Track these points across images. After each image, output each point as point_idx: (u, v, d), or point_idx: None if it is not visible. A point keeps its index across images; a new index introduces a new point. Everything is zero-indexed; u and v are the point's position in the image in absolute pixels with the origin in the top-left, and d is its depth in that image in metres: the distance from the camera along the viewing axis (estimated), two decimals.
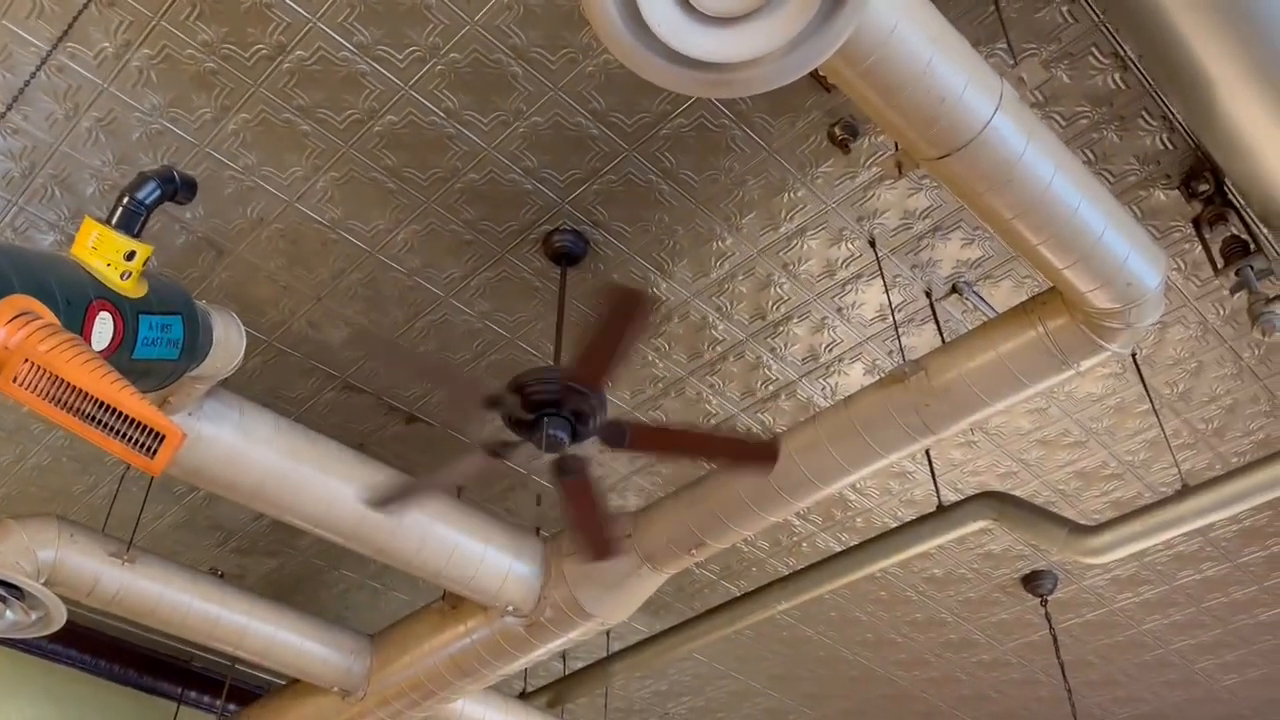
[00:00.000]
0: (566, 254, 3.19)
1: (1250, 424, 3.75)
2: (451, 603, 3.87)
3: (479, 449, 2.61)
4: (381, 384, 3.67)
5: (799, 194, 3.06)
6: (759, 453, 2.69)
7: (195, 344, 2.37)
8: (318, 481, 3.18)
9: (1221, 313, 3.37)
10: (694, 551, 3.42)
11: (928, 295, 3.40)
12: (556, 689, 4.80)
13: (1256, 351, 3.50)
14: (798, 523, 4.35)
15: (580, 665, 4.96)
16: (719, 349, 3.58)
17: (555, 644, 3.66)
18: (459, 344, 3.52)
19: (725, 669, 5.39)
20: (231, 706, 5.35)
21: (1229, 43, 2.15)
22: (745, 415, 3.84)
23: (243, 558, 4.57)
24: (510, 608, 3.57)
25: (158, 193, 2.22)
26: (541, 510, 4.25)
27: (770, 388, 3.73)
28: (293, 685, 4.46)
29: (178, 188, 2.26)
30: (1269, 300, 2.65)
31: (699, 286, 3.36)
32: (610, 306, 2.24)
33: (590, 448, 3.01)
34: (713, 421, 3.85)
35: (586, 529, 2.87)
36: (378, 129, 2.86)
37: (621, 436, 2.65)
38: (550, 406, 2.45)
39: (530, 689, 5.05)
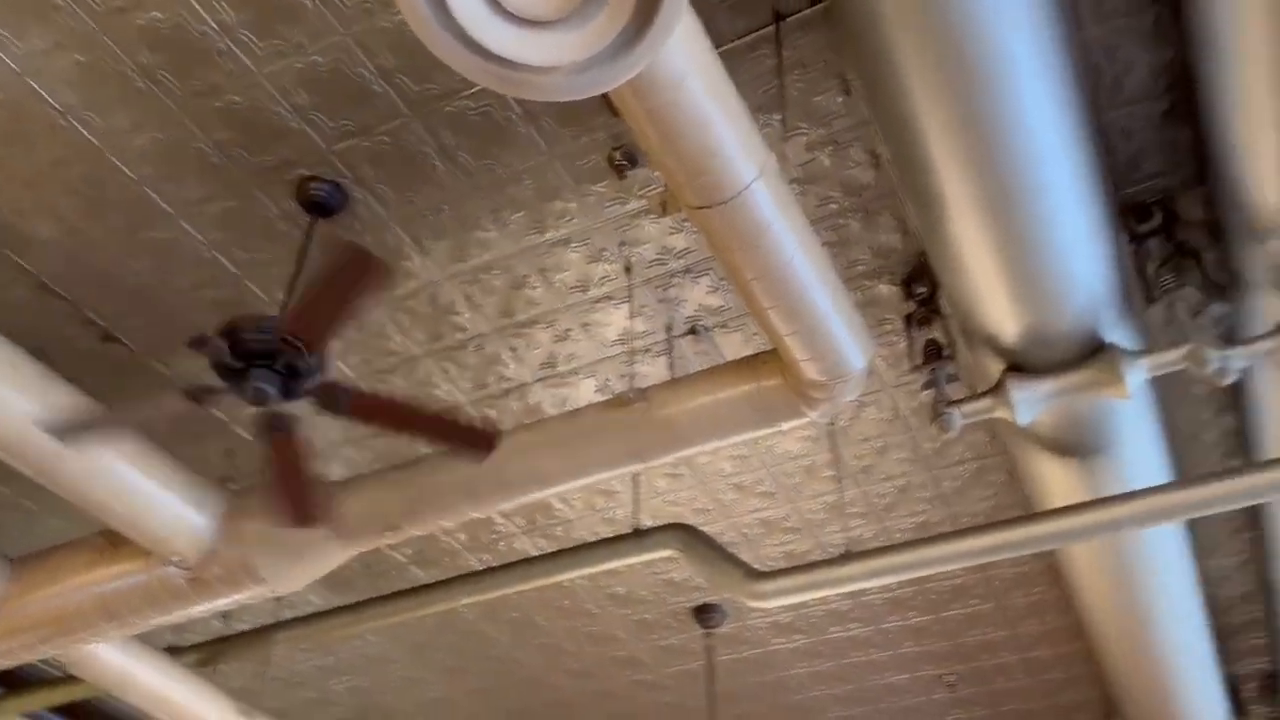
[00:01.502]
0: (321, 205, 3.05)
1: (916, 506, 4.18)
2: (111, 540, 3.57)
3: (178, 391, 2.44)
4: (82, 293, 3.35)
5: (570, 205, 3.10)
6: (478, 439, 2.69)
7: None
8: None
9: (912, 404, 3.73)
10: (389, 533, 3.36)
11: (668, 330, 3.54)
12: (211, 649, 4.54)
13: (934, 445, 3.90)
14: (500, 522, 4.38)
15: (244, 628, 4.72)
16: (460, 336, 3.55)
17: (218, 603, 3.47)
18: (180, 269, 3.27)
19: (397, 654, 5.32)
20: None
21: (966, 169, 2.39)
22: (472, 407, 3.83)
23: None
24: (175, 558, 3.35)
25: None
26: (235, 464, 4.03)
27: (503, 385, 3.74)
28: None
29: None
30: (950, 402, 2.97)
31: (454, 270, 3.32)
32: (341, 265, 2.17)
33: (303, 408, 2.89)
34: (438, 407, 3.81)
35: (288, 492, 2.75)
36: (140, 22, 2.62)
37: (339, 401, 2.57)
38: (262, 358, 2.33)
39: (183, 644, 4.74)
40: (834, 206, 3.10)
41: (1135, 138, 2.82)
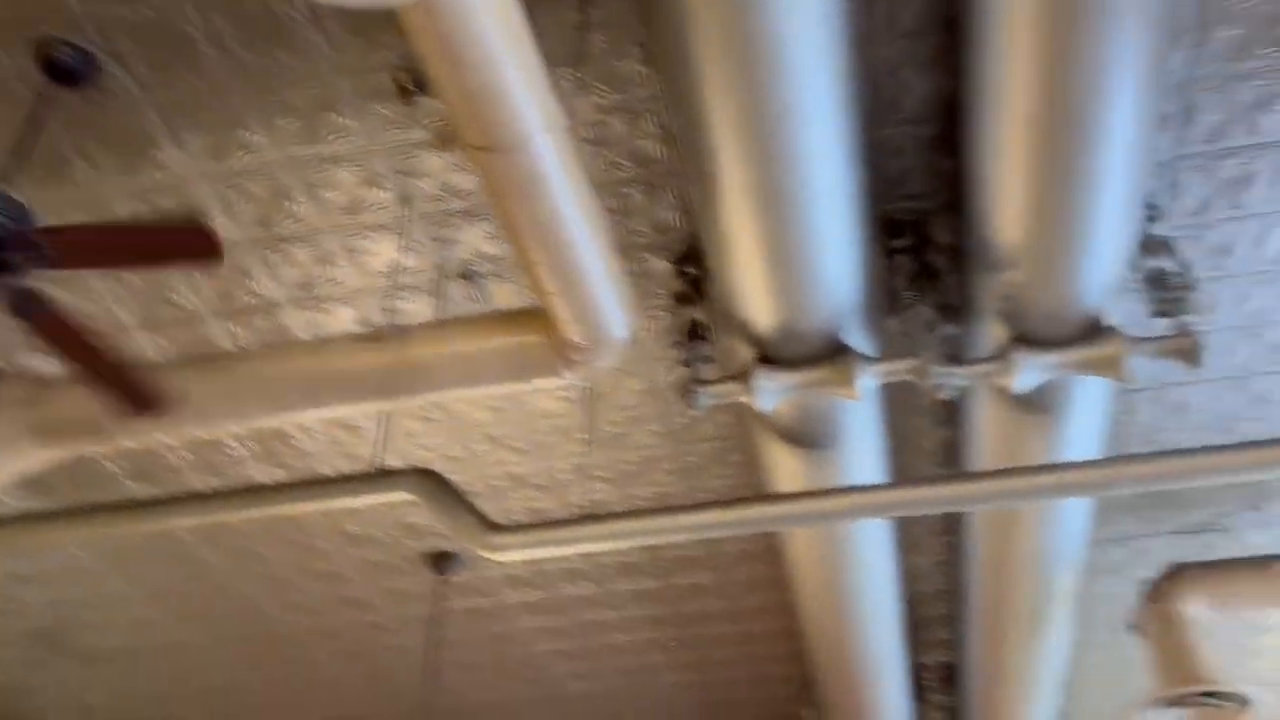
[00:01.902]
0: (65, 71, 2.73)
1: (659, 478, 4.30)
2: None
3: None
4: None
5: (348, 121, 2.94)
6: (142, 399, 2.51)
7: None
8: None
9: (670, 379, 3.82)
10: (97, 441, 3.10)
11: (439, 271, 3.44)
12: None
13: (684, 421, 4.02)
14: (232, 444, 4.13)
15: None
16: None
17: None
18: None
19: (103, 569, 4.94)
20: None
21: (742, 158, 2.45)
22: (214, 319, 3.58)
23: None
24: None
25: None
26: None
27: (251, 300, 3.52)
28: None
29: None
30: (701, 382, 3.06)
31: (209, 169, 3.07)
32: (169, 229, 1.96)
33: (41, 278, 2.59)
34: (174, 321, 3.53)
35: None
36: None
37: (29, 310, 2.31)
38: None
39: None
40: (621, 174, 3.10)
41: (903, 157, 2.99)
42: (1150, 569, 4.73)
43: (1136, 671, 5.54)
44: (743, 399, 2.99)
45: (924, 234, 3.19)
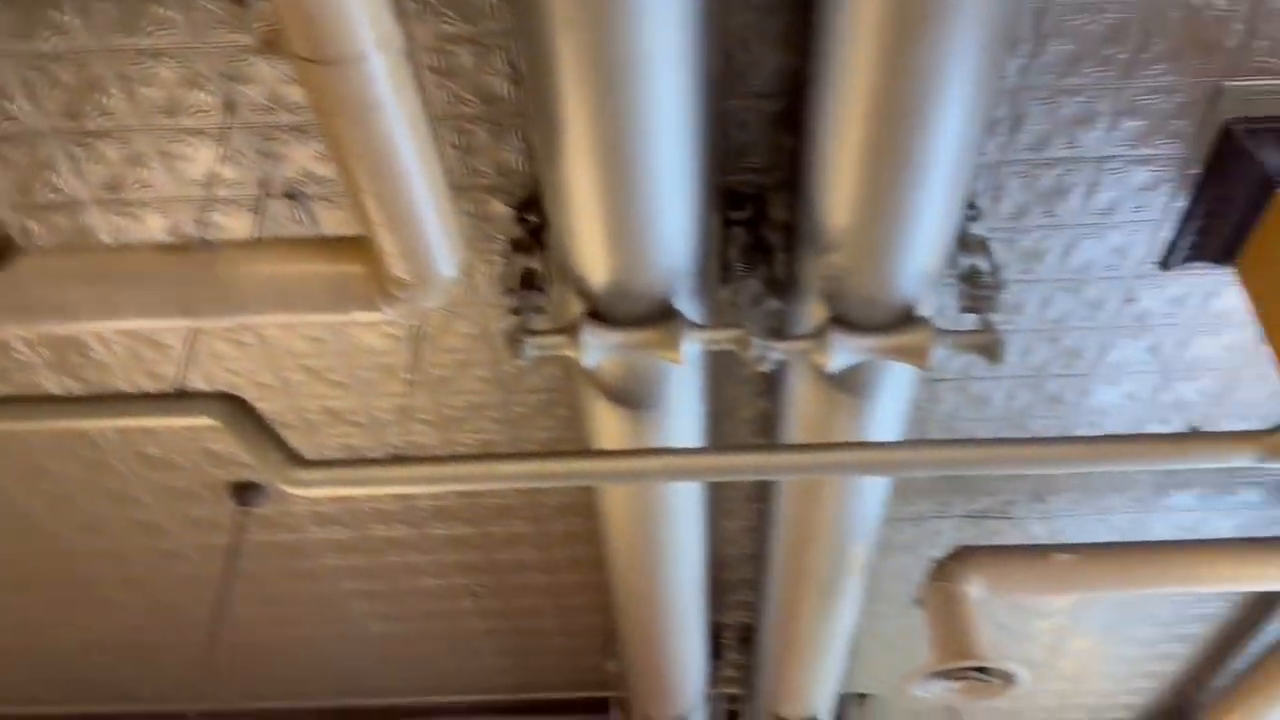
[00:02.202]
0: None
1: (483, 425, 4.25)
2: None
3: None
4: None
5: (173, 14, 2.72)
6: None
7: None
8: None
9: (502, 326, 3.76)
10: None
11: (261, 186, 3.26)
12: None
13: (513, 370, 3.98)
14: (21, 349, 3.82)
15: None
16: (8, 127, 3.01)
17: None
18: None
19: None
20: None
21: (588, 108, 2.40)
22: (9, 212, 3.28)
23: None
24: None
25: None
26: None
27: (52, 197, 3.24)
28: None
29: None
30: (529, 332, 3.02)
31: (14, 49, 2.80)
32: None
33: None
34: None
35: None
36: None
37: None
38: None
39: None
40: (466, 109, 3.00)
41: (748, 130, 3.02)
42: (940, 549, 5.03)
43: (919, 643, 5.91)
44: (569, 353, 2.97)
45: (762, 209, 3.24)
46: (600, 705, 6.36)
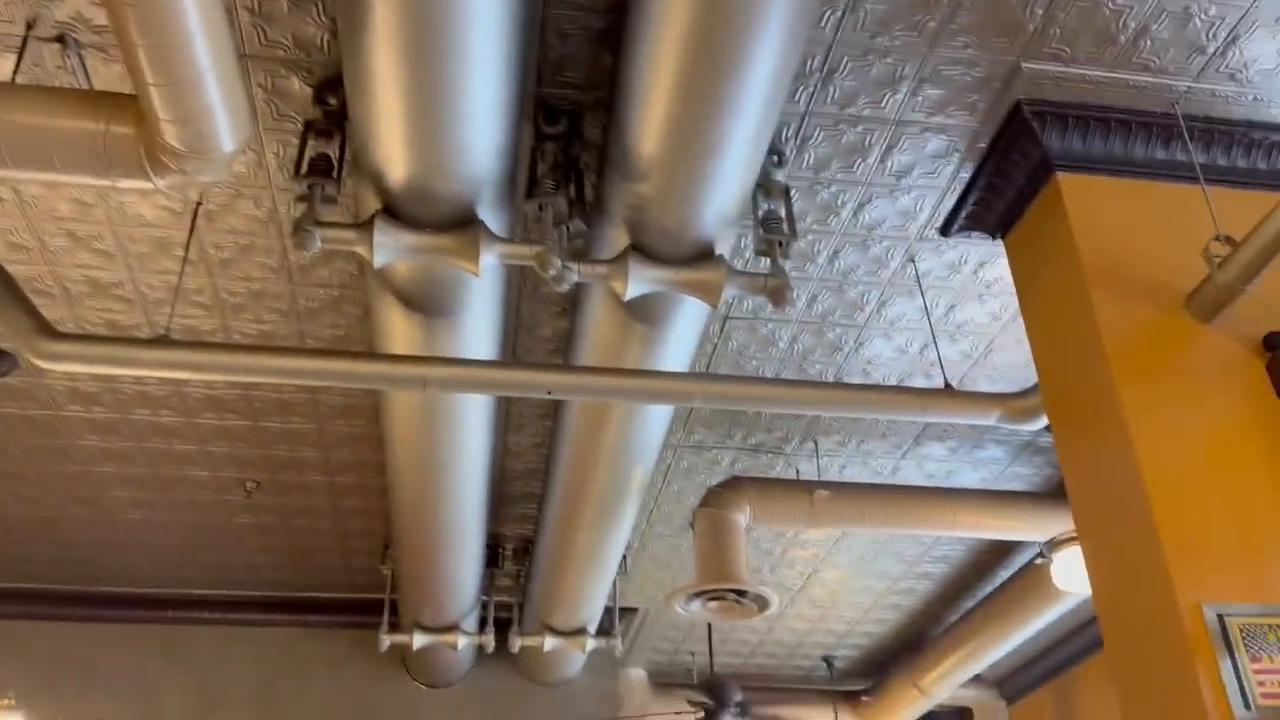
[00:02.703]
0: None
1: (265, 315, 4.04)
2: None
3: None
4: None
5: None
6: None
7: None
8: None
9: (291, 212, 3.56)
10: None
11: (28, 26, 2.91)
12: None
13: (302, 260, 3.79)
14: None
15: None
16: None
17: None
18: None
19: None
20: None
21: (396, 8, 2.27)
22: None
23: None
24: None
25: None
26: None
27: None
28: None
29: None
30: (318, 222, 2.87)
31: None
32: None
33: None
34: None
35: None
36: None
37: None
38: None
39: None
40: None
41: (568, 43, 2.95)
42: (718, 478, 5.24)
43: (690, 564, 6.18)
44: (358, 249, 2.85)
45: (577, 126, 3.19)
46: (374, 607, 6.31)
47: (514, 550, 6.04)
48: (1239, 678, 2.42)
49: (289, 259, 3.78)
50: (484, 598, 6.01)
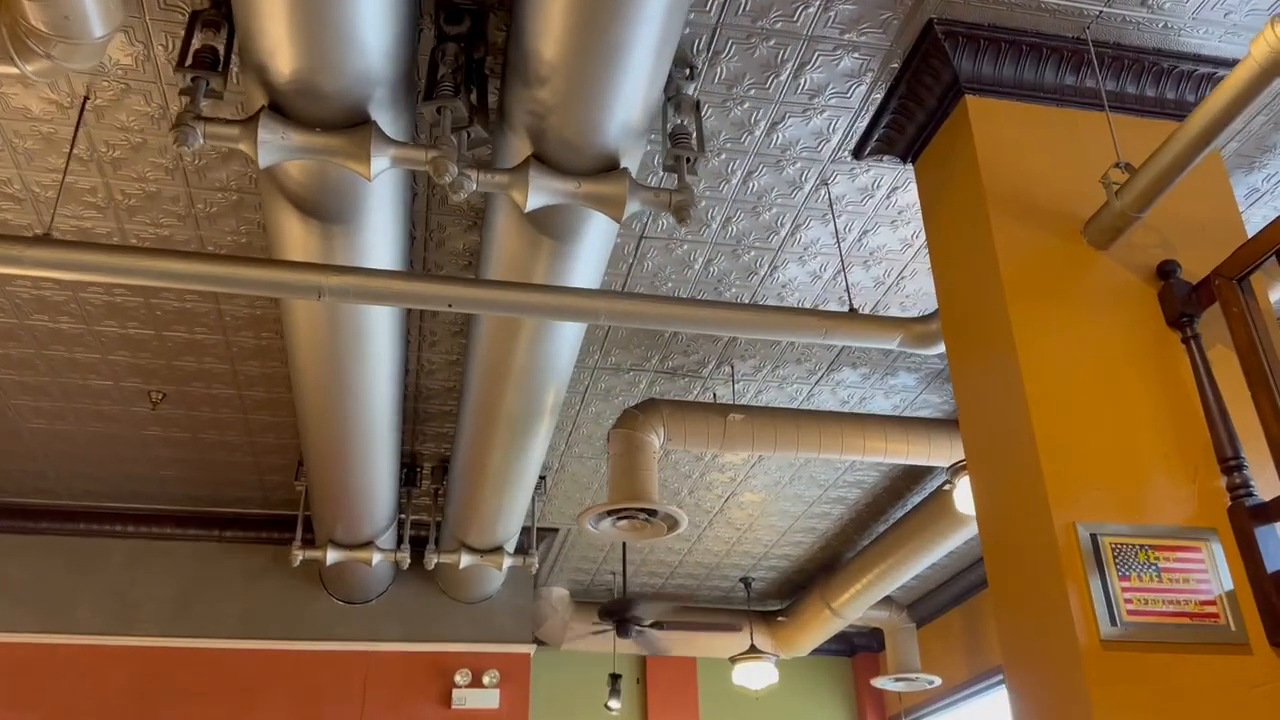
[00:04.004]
0: None
1: (162, 219, 3.90)
2: None
3: None
4: None
5: None
6: None
7: None
8: None
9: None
10: None
11: None
12: None
13: (200, 161, 3.65)
14: None
15: None
16: None
17: None
18: None
19: None
20: None
21: None
22: None
23: None
24: None
25: None
26: None
27: None
28: None
29: None
30: (198, 118, 2.74)
31: None
32: None
33: None
34: None
35: None
36: None
37: None
38: None
39: None
40: None
41: None
42: (635, 400, 5.25)
43: (603, 484, 6.22)
44: (242, 147, 2.74)
45: (480, 27, 3.07)
46: (291, 523, 6.28)
47: (432, 469, 6.02)
48: (1107, 594, 2.50)
49: (184, 160, 3.63)
50: (401, 516, 6.00)
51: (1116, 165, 2.90)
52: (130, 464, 5.89)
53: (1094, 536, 2.57)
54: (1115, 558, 2.56)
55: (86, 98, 3.34)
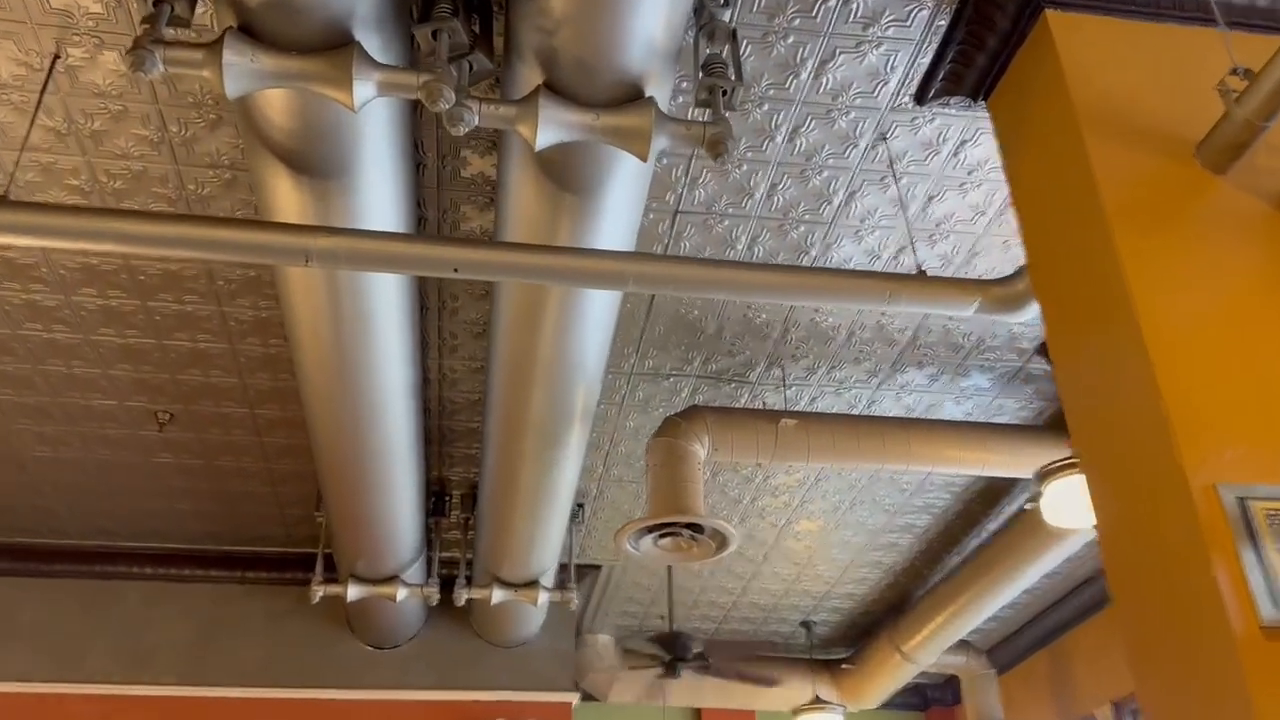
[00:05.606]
0: None
1: (151, 203, 3.57)
2: None
3: None
4: None
5: None
6: None
7: None
8: None
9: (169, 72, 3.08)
10: None
11: None
12: None
13: (186, 132, 3.32)
14: None
15: None
16: None
17: None
18: None
19: None
20: None
21: None
22: None
23: None
24: None
25: None
26: None
27: None
28: None
29: None
30: (160, 41, 2.39)
31: None
32: None
33: None
34: None
35: None
36: None
37: None
38: None
39: None
40: None
41: None
42: (676, 409, 4.78)
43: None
44: (206, 73, 2.38)
45: None
46: (312, 562, 5.86)
47: (461, 497, 5.58)
48: (1264, 571, 1.97)
49: (169, 132, 3.30)
50: (430, 552, 5.56)
51: (1233, 71, 2.43)
52: (143, 496, 5.53)
53: (1241, 501, 2.05)
54: (1270, 525, 2.03)
55: (57, 55, 3.03)
